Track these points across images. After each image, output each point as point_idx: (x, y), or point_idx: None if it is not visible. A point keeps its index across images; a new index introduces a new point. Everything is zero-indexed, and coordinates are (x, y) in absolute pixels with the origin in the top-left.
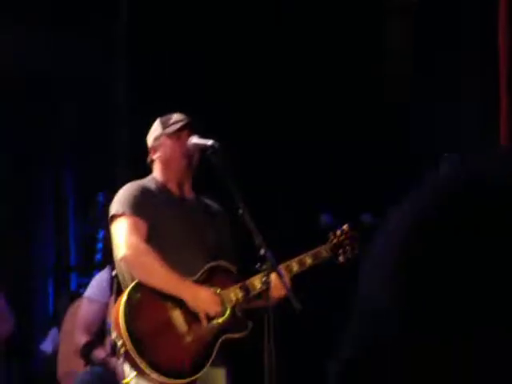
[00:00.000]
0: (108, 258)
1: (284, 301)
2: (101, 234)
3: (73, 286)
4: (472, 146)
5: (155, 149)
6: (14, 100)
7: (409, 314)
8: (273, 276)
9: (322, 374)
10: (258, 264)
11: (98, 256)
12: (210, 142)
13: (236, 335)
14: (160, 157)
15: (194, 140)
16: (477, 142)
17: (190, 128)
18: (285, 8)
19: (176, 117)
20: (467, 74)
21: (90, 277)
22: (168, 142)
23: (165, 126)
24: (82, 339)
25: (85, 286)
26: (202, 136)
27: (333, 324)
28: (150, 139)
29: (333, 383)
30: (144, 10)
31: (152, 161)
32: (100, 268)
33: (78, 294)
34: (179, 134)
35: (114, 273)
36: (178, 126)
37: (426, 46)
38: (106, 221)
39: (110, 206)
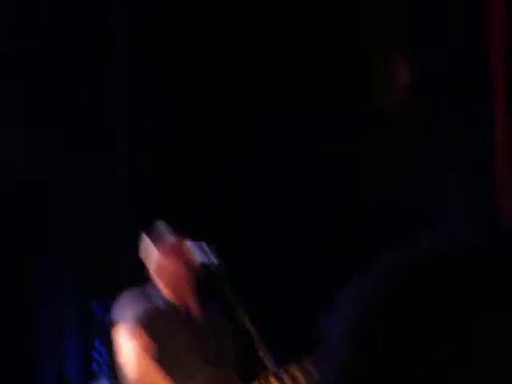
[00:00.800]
0: (104, 368)
1: None
2: (97, 343)
3: None
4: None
5: (151, 264)
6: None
7: None
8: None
9: None
10: (261, 375)
11: (94, 364)
12: (211, 260)
13: None
14: (159, 272)
15: (197, 258)
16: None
17: (180, 235)
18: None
19: (162, 229)
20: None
21: None
22: (163, 255)
23: (154, 240)
24: None
25: None
26: (194, 240)
27: None
28: (143, 256)
29: None
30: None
31: (152, 274)
32: (96, 378)
33: None
34: (172, 246)
35: None
36: (165, 238)
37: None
38: (101, 330)
39: (115, 315)
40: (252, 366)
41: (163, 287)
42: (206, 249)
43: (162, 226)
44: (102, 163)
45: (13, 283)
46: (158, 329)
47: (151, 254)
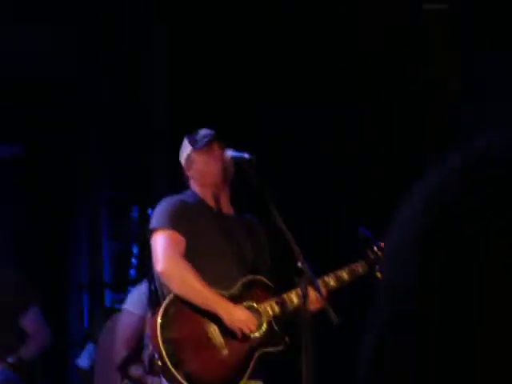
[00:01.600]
0: (143, 274)
1: (321, 314)
2: (135, 249)
3: (107, 301)
4: None
5: (189, 166)
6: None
7: (428, 292)
8: (310, 289)
9: None
10: (296, 277)
11: (132, 271)
12: (246, 156)
13: (273, 349)
14: (194, 173)
15: (231, 153)
16: None
17: (218, 140)
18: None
19: (203, 132)
20: None
21: (124, 293)
22: (199, 157)
23: (193, 142)
24: (121, 353)
25: (119, 301)
26: (233, 147)
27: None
28: (182, 158)
29: (363, 370)
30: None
31: (188, 177)
32: (134, 283)
33: (112, 310)
34: (209, 148)
35: (152, 286)
36: (206, 140)
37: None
38: (139, 236)
39: (151, 220)
40: (288, 272)
41: (193, 182)
42: (245, 153)
43: (203, 132)
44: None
45: (52, 183)
46: (187, 222)
47: (184, 150)
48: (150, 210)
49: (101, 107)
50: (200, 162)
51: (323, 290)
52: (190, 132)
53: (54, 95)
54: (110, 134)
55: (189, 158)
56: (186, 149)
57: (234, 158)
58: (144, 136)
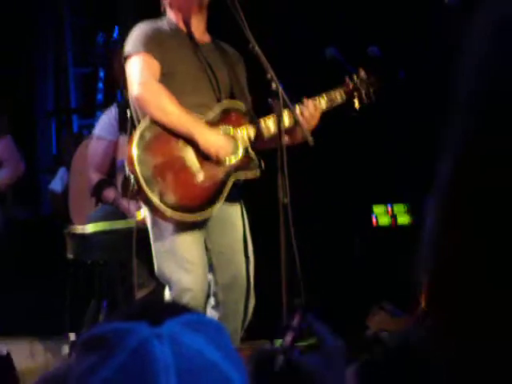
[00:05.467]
0: (110, 99)
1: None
2: (101, 74)
3: (75, 127)
4: None
5: None
6: None
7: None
8: (286, 112)
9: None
10: (269, 98)
11: (99, 96)
12: None
13: (248, 174)
14: None
15: None
16: None
17: None
18: None
19: None
20: None
21: (91, 118)
22: None
23: None
24: (93, 178)
25: (87, 127)
26: None
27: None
28: None
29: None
30: None
31: (164, 4)
32: (102, 109)
33: (80, 136)
34: None
35: (128, 112)
36: None
37: None
38: (106, 60)
39: (125, 46)
40: (265, 97)
41: (169, 9)
42: None
43: None
44: None
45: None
46: (160, 48)
47: None
48: (115, 35)
49: None
50: None
51: (300, 118)
52: None
53: None
54: None
55: None
56: None
57: None
58: None
